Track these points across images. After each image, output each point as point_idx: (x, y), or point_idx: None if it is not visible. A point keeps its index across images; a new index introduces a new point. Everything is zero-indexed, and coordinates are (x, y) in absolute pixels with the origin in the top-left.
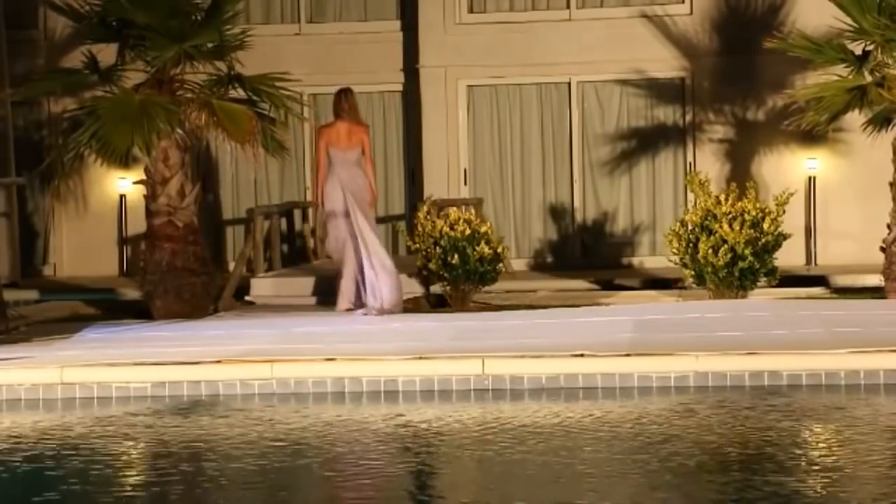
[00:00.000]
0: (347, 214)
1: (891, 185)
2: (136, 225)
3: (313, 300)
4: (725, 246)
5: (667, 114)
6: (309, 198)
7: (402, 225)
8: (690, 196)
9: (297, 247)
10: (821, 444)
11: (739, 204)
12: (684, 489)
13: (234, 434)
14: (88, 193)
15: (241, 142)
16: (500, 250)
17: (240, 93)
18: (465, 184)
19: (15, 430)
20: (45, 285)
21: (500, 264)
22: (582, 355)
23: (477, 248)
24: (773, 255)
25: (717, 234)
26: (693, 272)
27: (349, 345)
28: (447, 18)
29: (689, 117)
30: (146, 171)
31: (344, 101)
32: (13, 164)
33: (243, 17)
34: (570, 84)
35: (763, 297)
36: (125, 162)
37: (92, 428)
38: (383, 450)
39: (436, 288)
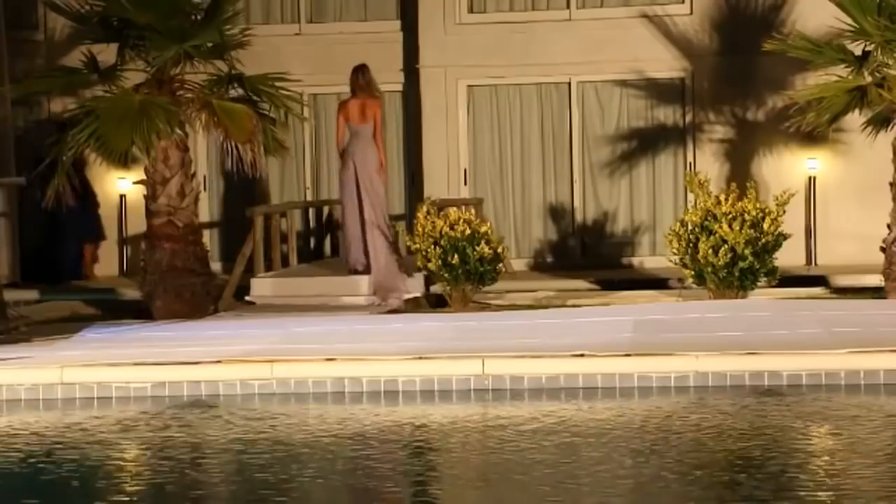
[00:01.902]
0: (356, 185)
1: (891, 185)
2: (136, 225)
3: (313, 300)
4: (725, 246)
5: (667, 114)
6: (309, 197)
7: (401, 225)
8: (690, 196)
9: (296, 246)
10: (824, 444)
11: (739, 204)
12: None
13: (231, 433)
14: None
15: (241, 141)
16: (500, 250)
17: (240, 93)
18: (465, 184)
19: (14, 430)
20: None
21: (500, 264)
22: (582, 355)
23: (477, 248)
24: (773, 255)
25: (717, 234)
26: (693, 272)
27: (349, 345)
28: (447, 18)
29: (689, 117)
30: (146, 171)
31: (361, 78)
32: (13, 164)
33: (243, 17)
34: (570, 84)
35: (763, 297)
36: (125, 162)
37: (91, 427)
38: (383, 450)
39: (436, 288)
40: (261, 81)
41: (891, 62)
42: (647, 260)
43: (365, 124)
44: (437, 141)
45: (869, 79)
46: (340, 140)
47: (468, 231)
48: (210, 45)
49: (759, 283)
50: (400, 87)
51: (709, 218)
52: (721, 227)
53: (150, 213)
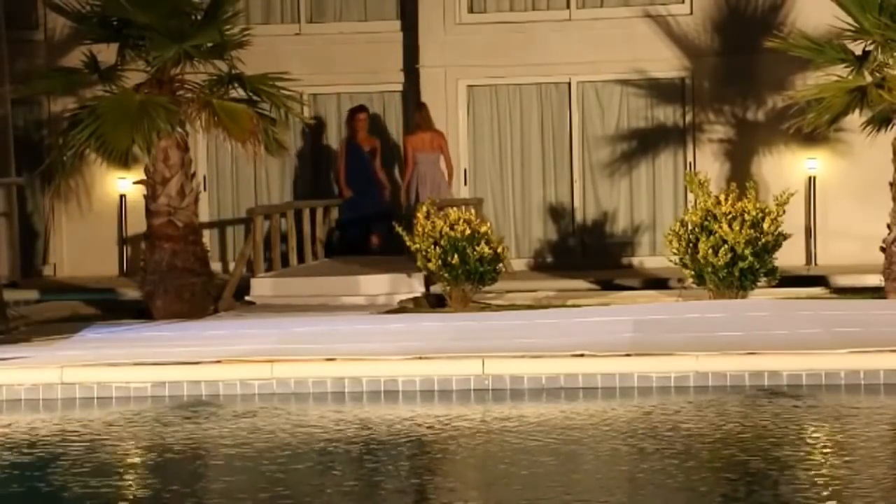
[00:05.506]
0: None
1: (891, 185)
2: (136, 225)
3: (313, 300)
4: (725, 246)
5: (667, 114)
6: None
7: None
8: (690, 196)
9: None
10: (823, 444)
11: (739, 204)
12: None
13: (224, 433)
14: (88, 193)
15: (241, 141)
16: (500, 250)
17: (240, 93)
18: (465, 184)
19: (14, 430)
20: (45, 285)
21: (500, 264)
22: (582, 355)
23: (477, 248)
24: (773, 255)
25: (717, 234)
26: (693, 272)
27: (349, 345)
28: (447, 18)
29: (689, 117)
30: (146, 171)
31: (422, 114)
32: (13, 164)
33: (243, 17)
34: (570, 84)
35: (763, 297)
36: (125, 162)
37: (91, 427)
38: (384, 449)
39: (436, 288)
40: (261, 81)
41: (891, 62)
42: (647, 260)
43: (433, 153)
44: None
45: (869, 79)
46: (410, 167)
47: (468, 231)
48: (210, 45)
49: (759, 283)
50: (400, 87)
51: (709, 218)
52: (721, 227)
53: (150, 213)
